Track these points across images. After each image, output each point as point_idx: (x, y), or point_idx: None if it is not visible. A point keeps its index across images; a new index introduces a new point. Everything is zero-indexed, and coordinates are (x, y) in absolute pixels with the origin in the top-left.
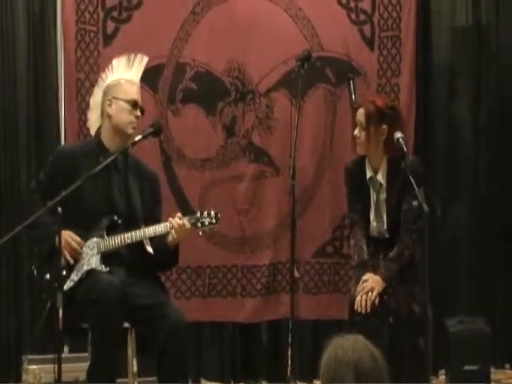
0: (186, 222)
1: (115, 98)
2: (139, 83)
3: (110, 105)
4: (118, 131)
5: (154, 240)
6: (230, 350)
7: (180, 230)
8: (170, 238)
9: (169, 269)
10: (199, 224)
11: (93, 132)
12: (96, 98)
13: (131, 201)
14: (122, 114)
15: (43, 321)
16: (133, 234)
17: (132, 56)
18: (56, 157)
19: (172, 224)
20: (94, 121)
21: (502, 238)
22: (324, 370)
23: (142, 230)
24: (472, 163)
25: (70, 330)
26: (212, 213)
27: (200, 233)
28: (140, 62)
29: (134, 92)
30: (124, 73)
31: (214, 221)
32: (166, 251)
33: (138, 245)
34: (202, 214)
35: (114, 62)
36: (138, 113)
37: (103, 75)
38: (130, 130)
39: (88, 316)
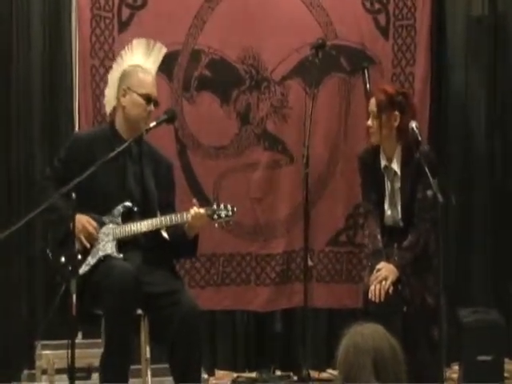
0: (202, 210)
1: (130, 89)
2: (155, 73)
3: (124, 95)
4: (131, 123)
5: (171, 227)
6: (243, 339)
7: (196, 218)
8: (186, 227)
9: (186, 257)
10: (215, 216)
11: (108, 109)
12: (114, 75)
13: (146, 188)
14: (135, 108)
15: (56, 305)
16: (149, 222)
17: (152, 42)
18: (71, 144)
19: (189, 212)
20: (110, 98)
21: None
22: (342, 357)
23: (158, 219)
24: (487, 152)
25: (83, 315)
26: (229, 206)
27: (216, 225)
28: (159, 51)
29: (149, 85)
30: (141, 58)
31: (230, 213)
32: (183, 239)
33: (154, 231)
34: (218, 206)
35: (134, 41)
36: (152, 107)
37: (122, 52)
38: (141, 125)
39: (101, 302)
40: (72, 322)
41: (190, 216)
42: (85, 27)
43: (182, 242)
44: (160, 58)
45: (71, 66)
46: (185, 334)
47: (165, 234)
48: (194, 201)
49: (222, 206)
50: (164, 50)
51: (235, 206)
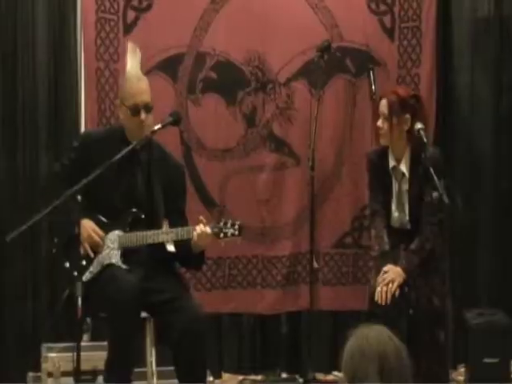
0: (208, 229)
1: (121, 102)
2: (141, 76)
3: (120, 108)
4: (131, 132)
5: (177, 241)
6: (249, 341)
7: (202, 237)
8: (192, 243)
9: (191, 269)
10: (222, 234)
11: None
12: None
13: (153, 195)
14: (126, 120)
15: (60, 309)
16: (155, 234)
17: (130, 45)
18: (80, 142)
19: (195, 230)
20: None
21: None
22: (347, 360)
23: (164, 233)
24: (493, 154)
25: (89, 317)
26: (236, 224)
27: (222, 243)
28: (133, 53)
29: (134, 93)
30: (128, 63)
31: (236, 233)
32: (189, 253)
33: (159, 243)
34: (225, 224)
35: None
36: (143, 115)
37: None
38: (137, 133)
39: (105, 309)
40: (77, 325)
41: (195, 234)
42: (90, 30)
43: (188, 256)
44: (137, 59)
45: (76, 68)
46: (189, 338)
47: (170, 247)
48: (201, 217)
49: (229, 223)
50: (137, 50)
51: (242, 223)
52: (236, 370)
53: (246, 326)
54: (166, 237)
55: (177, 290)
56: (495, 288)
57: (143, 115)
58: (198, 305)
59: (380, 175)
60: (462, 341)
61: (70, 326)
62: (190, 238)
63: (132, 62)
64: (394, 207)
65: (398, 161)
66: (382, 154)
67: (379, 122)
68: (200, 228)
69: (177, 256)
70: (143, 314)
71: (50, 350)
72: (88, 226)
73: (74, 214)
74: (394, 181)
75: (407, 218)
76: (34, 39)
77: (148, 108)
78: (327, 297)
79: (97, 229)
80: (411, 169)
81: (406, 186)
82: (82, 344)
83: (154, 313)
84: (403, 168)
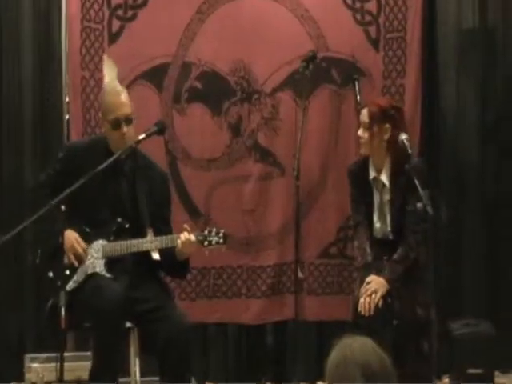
0: (193, 237)
1: (103, 116)
2: (120, 88)
3: (101, 120)
4: (114, 144)
5: (162, 249)
6: (234, 351)
7: (186, 245)
8: (177, 251)
9: (176, 278)
10: (206, 242)
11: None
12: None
13: (138, 205)
14: (111, 134)
15: (44, 319)
16: (139, 243)
17: (105, 58)
18: (65, 153)
19: (180, 238)
20: None
21: (508, 239)
22: (331, 370)
23: (148, 241)
24: (478, 165)
25: (72, 327)
26: (221, 232)
27: (206, 251)
28: (109, 66)
29: (114, 107)
30: (107, 77)
31: (221, 241)
32: (174, 261)
33: (144, 252)
34: (210, 232)
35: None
36: (124, 130)
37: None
38: (119, 145)
39: (89, 319)
40: (61, 335)
41: (179, 242)
42: (75, 39)
43: (173, 264)
44: (113, 70)
45: (61, 77)
46: (174, 348)
47: (155, 256)
48: (186, 226)
49: (213, 231)
50: (108, 60)
51: (227, 232)
52: (221, 380)
53: (231, 336)
54: (151, 245)
55: (162, 299)
56: (480, 298)
57: (125, 128)
58: (183, 314)
59: (361, 186)
60: (447, 351)
61: (54, 336)
62: (174, 245)
63: (109, 76)
64: (375, 218)
65: (379, 171)
66: (363, 165)
67: (360, 132)
68: (184, 236)
69: (161, 264)
70: (127, 324)
71: (34, 360)
72: (71, 237)
73: (58, 224)
74: (375, 191)
75: (389, 228)
76: (19, 47)
77: (129, 120)
78: (312, 307)
79: (80, 239)
80: (392, 179)
81: (387, 197)
82: (66, 354)
83: (138, 322)
84: (384, 178)
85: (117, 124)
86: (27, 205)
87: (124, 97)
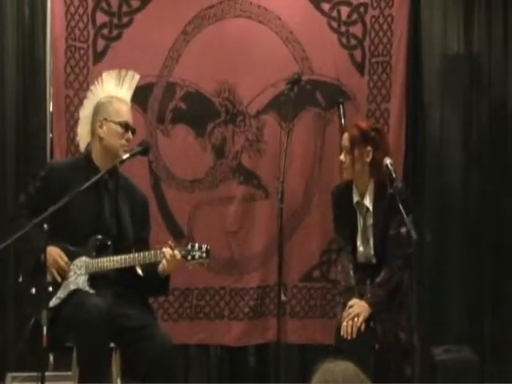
0: (176, 252)
1: (106, 119)
2: (130, 102)
3: (101, 126)
4: (109, 153)
5: (144, 266)
6: (217, 373)
7: (170, 260)
8: (160, 267)
9: (157, 295)
10: (189, 257)
11: (82, 146)
12: (86, 112)
13: (121, 222)
14: (114, 138)
15: (26, 337)
16: (123, 258)
17: (123, 72)
18: (46, 173)
19: (163, 253)
20: (83, 135)
21: (491, 265)
22: None
23: (132, 256)
24: (462, 190)
25: (54, 347)
26: (203, 247)
27: (190, 266)
28: (131, 80)
29: (125, 113)
30: (114, 89)
31: (204, 255)
32: (156, 278)
33: (127, 267)
34: (193, 247)
35: (104, 74)
36: (130, 135)
37: (92, 88)
38: (121, 153)
39: (72, 337)
40: (42, 354)
41: (163, 256)
42: (59, 57)
43: (155, 281)
44: (133, 85)
45: (45, 95)
46: (158, 369)
47: (139, 271)
48: (169, 242)
49: (196, 246)
50: (137, 77)
51: (210, 247)
52: None
53: (213, 358)
54: (134, 261)
55: (145, 318)
56: (462, 324)
57: (130, 135)
58: (167, 333)
59: (345, 210)
60: (429, 377)
61: (36, 355)
62: (157, 260)
63: (128, 89)
64: (359, 242)
65: (362, 195)
66: (346, 189)
67: (341, 156)
68: (168, 251)
69: (143, 282)
70: (110, 345)
71: (15, 379)
72: (54, 253)
73: (40, 241)
74: (358, 216)
75: (372, 252)
76: (3, 65)
77: (134, 131)
78: (294, 329)
79: (63, 255)
80: (375, 203)
81: (370, 221)
82: (47, 374)
83: (122, 340)
84: (367, 202)
85: (126, 126)
86: (8, 225)
87: (130, 111)
